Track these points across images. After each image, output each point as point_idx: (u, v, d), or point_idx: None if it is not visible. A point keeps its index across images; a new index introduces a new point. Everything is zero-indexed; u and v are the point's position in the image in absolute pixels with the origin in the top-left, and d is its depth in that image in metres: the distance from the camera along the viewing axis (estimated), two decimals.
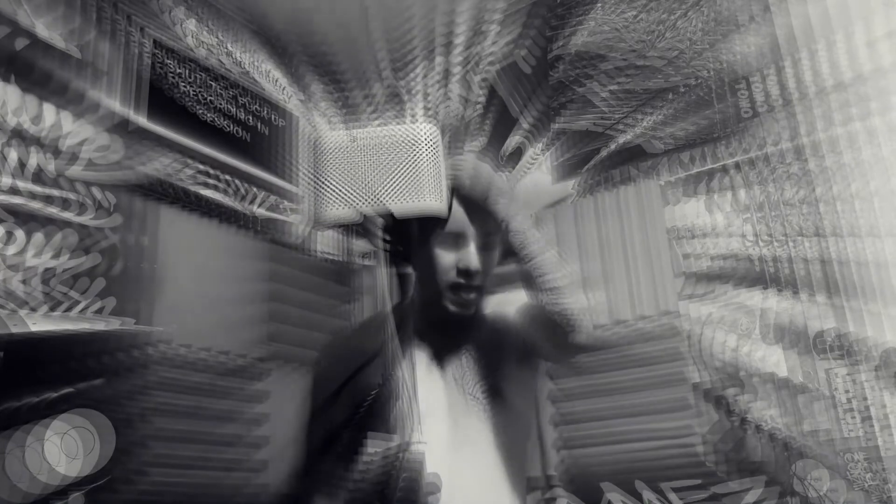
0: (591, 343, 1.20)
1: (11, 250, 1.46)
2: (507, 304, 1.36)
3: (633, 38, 2.07)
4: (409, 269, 1.38)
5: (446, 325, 1.31)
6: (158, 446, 1.64)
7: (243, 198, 2.08)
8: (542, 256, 1.21)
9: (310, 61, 2.46)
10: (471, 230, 1.27)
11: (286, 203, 2.22)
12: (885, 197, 1.67)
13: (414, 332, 1.34)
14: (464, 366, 1.32)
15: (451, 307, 1.27)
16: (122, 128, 1.75)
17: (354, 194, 1.30)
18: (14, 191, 1.49)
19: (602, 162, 2.17)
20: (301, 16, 2.27)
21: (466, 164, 1.30)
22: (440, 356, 1.33)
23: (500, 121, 2.33)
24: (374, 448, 1.19)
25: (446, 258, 1.27)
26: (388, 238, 1.30)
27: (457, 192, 1.29)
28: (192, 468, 1.74)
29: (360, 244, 2.35)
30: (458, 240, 1.27)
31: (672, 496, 1.86)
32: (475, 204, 1.27)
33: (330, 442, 1.24)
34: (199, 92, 2.01)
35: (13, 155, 1.50)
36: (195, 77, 2.01)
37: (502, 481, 1.26)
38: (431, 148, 1.31)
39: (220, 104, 2.07)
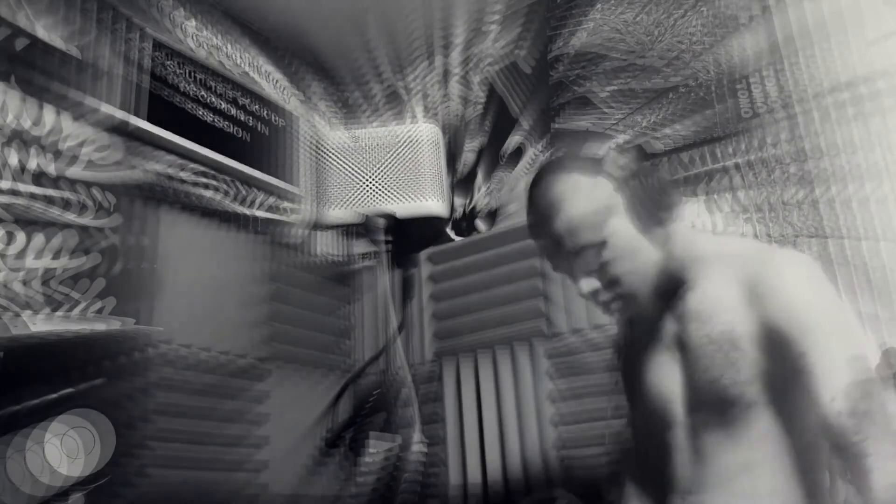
0: None
1: (12, 251, 1.46)
2: None
3: (632, 39, 2.07)
4: (413, 271, 1.38)
5: None
6: (159, 446, 1.64)
7: (243, 198, 2.08)
8: None
9: (310, 62, 2.46)
10: None
11: (286, 203, 2.21)
12: (883, 197, 1.67)
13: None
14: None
15: None
16: (121, 129, 1.75)
17: (355, 195, 1.30)
18: (15, 192, 1.49)
19: None
20: (301, 16, 2.27)
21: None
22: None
23: (500, 121, 2.33)
24: (376, 448, 1.19)
25: None
26: (389, 238, 1.29)
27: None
28: (193, 468, 1.74)
29: (360, 244, 2.35)
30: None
31: None
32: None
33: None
34: (199, 93, 2.01)
35: (14, 156, 1.50)
36: (195, 78, 2.01)
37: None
38: (433, 148, 1.31)
39: (220, 105, 2.07)
